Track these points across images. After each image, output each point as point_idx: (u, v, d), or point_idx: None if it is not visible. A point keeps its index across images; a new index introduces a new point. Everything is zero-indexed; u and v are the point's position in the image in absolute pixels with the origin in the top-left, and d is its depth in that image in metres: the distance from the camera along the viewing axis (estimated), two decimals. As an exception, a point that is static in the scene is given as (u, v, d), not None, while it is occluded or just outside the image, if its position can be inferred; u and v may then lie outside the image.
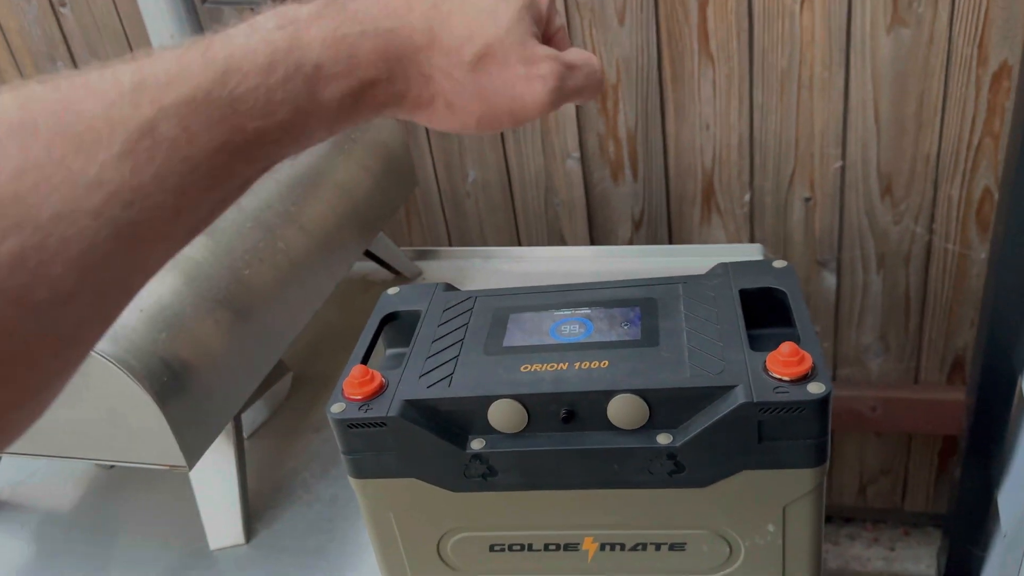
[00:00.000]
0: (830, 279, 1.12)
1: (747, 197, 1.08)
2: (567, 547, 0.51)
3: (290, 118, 0.30)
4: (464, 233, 1.21)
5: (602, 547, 0.50)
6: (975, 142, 0.98)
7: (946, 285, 1.08)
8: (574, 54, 0.38)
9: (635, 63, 1.03)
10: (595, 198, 1.13)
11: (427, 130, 1.13)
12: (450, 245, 1.22)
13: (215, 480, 0.64)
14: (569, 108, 1.07)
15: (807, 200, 1.07)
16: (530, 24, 0.36)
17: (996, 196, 1.00)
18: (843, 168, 1.03)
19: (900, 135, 0.99)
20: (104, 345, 0.54)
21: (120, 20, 1.17)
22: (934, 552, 1.29)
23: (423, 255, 0.98)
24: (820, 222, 1.08)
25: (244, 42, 0.30)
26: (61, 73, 0.28)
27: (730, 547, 0.49)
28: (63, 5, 1.18)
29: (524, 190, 1.15)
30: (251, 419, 0.76)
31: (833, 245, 1.09)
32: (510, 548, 0.51)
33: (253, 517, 0.67)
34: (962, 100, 0.96)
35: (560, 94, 0.37)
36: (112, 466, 0.75)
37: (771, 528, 0.48)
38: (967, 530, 1.03)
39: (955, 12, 0.91)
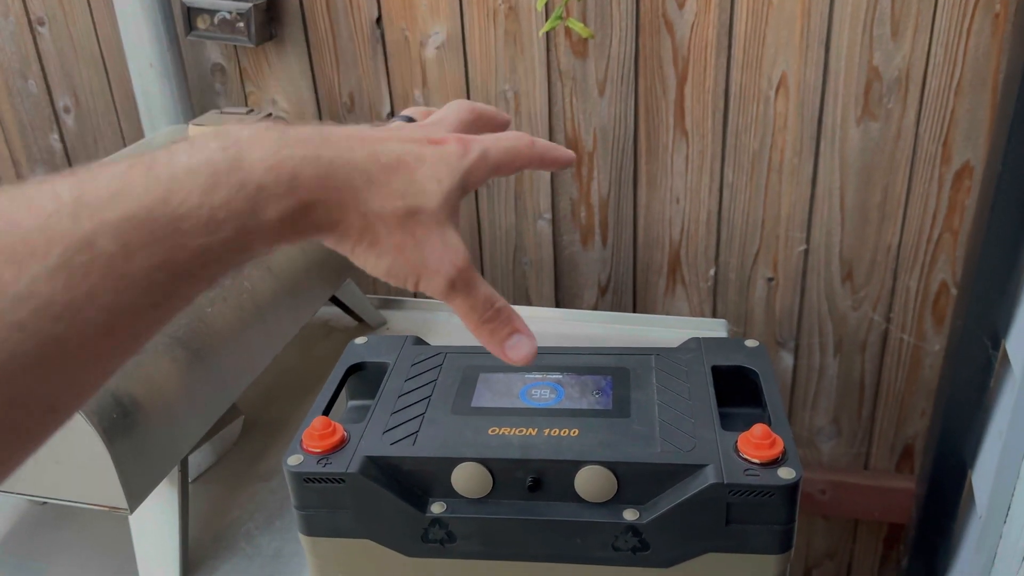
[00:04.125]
0: (787, 359, 1.13)
1: (712, 272, 1.10)
2: (521, 621, 0.49)
3: (233, 236, 0.30)
4: (429, 285, 1.20)
5: (558, 623, 0.49)
6: (935, 236, 1.01)
7: (899, 374, 1.10)
8: (484, 290, 0.38)
9: (612, 133, 1.04)
10: (563, 261, 1.14)
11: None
12: (415, 296, 1.21)
13: (155, 525, 0.61)
14: (543, 172, 1.08)
15: (770, 280, 1.08)
16: (457, 205, 0.37)
17: (952, 290, 1.02)
18: (806, 252, 1.05)
19: (863, 224, 1.02)
20: (53, 376, 0.52)
21: (99, 44, 1.16)
22: (874, 641, 1.28)
23: (388, 304, 0.96)
24: (781, 302, 1.09)
25: (187, 161, 0.30)
26: (1, 187, 0.28)
27: (688, 631, 0.48)
28: (42, 24, 1.17)
29: (494, 246, 1.15)
30: (197, 462, 0.73)
31: (792, 326, 1.10)
32: (462, 618, 0.50)
33: (191, 567, 0.64)
34: (925, 195, 0.99)
35: (454, 291, 0.37)
36: (45, 502, 0.71)
37: (731, 613, 0.47)
38: (911, 621, 1.03)
39: (923, 111, 0.94)
